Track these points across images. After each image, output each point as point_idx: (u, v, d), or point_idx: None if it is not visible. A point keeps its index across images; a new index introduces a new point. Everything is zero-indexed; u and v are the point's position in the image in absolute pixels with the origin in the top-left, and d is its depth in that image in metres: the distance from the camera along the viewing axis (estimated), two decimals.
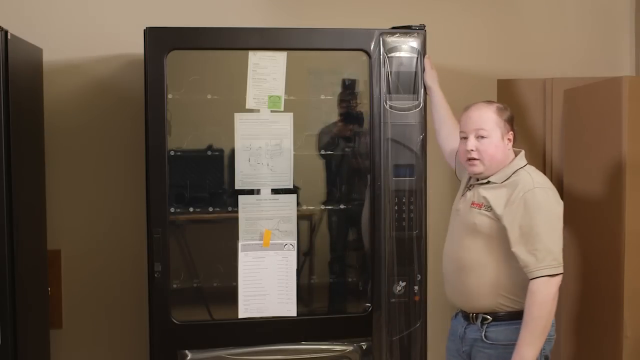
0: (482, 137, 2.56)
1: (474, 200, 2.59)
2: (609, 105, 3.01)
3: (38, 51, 3.15)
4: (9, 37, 2.63)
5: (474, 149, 2.57)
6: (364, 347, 3.01)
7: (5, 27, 2.63)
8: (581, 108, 3.26)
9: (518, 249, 2.46)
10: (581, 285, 3.22)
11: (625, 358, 2.93)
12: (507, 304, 2.55)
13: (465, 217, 2.61)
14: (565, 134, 3.36)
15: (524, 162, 2.63)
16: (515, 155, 2.63)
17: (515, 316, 2.52)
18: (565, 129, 3.36)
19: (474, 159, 2.57)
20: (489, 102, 2.66)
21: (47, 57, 3.24)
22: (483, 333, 2.58)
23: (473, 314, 2.61)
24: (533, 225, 2.45)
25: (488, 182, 2.58)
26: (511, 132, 2.61)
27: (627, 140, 2.91)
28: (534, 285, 2.44)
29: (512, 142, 2.62)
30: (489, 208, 2.53)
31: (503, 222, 2.49)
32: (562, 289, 3.39)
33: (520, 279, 2.49)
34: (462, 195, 2.68)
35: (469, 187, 2.66)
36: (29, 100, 3.00)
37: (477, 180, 2.63)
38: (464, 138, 2.61)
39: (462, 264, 2.60)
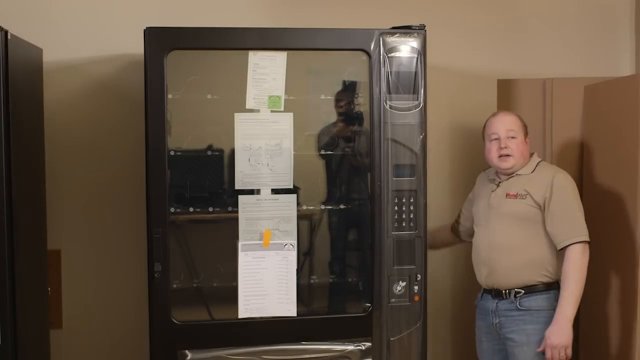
0: (512, 137, 2.96)
1: (508, 192, 2.95)
2: (626, 103, 3.03)
3: (38, 51, 3.15)
4: (9, 37, 2.63)
5: (507, 146, 2.95)
6: (364, 347, 3.01)
7: (5, 27, 2.63)
8: (601, 105, 3.27)
9: (554, 224, 2.84)
10: (597, 281, 3.21)
11: (638, 355, 2.95)
12: (541, 278, 2.89)
13: (502, 209, 2.95)
14: (584, 130, 3.37)
15: (540, 158, 3.07)
16: (531, 154, 3.04)
17: (547, 287, 2.88)
18: (584, 125, 3.36)
19: (507, 155, 2.95)
20: (509, 111, 3.11)
21: (47, 57, 3.23)
22: (517, 303, 2.90)
23: (506, 290, 2.92)
24: (565, 202, 2.85)
25: (518, 175, 2.97)
26: (527, 137, 3.03)
27: None
28: (573, 253, 2.81)
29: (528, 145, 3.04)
30: (524, 195, 2.90)
31: (539, 204, 2.87)
32: None
33: (554, 256, 2.88)
34: (492, 192, 3.00)
35: (497, 184, 3.00)
36: (29, 100, 2.99)
37: (505, 176, 2.99)
38: (495, 139, 2.97)
39: (502, 248, 2.92)
